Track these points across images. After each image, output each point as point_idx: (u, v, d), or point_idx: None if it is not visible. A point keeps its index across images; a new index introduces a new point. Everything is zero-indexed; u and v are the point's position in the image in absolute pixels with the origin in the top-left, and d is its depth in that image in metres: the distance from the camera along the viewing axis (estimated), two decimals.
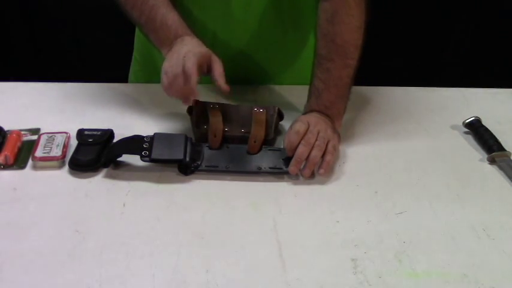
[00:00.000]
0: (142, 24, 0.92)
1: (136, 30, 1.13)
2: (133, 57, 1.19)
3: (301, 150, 0.84)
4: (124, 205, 0.77)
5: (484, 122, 0.98)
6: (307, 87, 0.95)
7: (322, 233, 0.74)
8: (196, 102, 0.94)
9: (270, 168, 0.85)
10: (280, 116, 0.96)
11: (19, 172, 0.83)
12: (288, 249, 0.71)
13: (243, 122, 0.94)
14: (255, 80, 1.11)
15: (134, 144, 0.84)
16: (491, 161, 0.91)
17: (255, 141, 0.88)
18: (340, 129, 0.93)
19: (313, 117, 0.89)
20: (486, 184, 0.86)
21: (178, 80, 0.82)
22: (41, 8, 1.94)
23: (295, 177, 0.85)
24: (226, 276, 0.66)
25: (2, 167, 0.83)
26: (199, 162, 0.85)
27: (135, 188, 0.81)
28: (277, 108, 0.95)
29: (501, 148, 0.92)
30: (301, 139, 0.85)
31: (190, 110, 0.94)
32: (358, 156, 0.91)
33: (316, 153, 0.84)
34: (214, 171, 0.84)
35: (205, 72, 0.85)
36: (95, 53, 2.00)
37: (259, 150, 0.88)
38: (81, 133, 0.88)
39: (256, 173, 0.85)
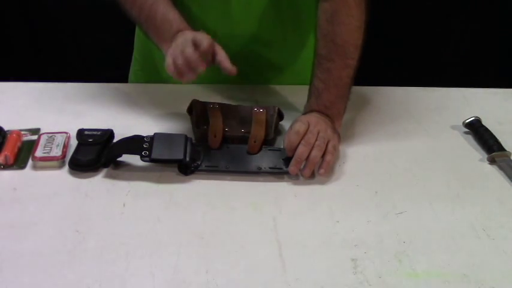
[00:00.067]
0: (142, 22, 0.92)
1: (137, 30, 1.13)
2: (133, 57, 1.19)
3: (301, 150, 0.84)
4: (124, 205, 0.77)
5: (484, 122, 0.98)
6: (307, 87, 0.95)
7: (322, 233, 0.74)
8: (197, 102, 0.94)
9: (270, 168, 0.85)
10: (280, 116, 0.96)
11: (19, 172, 0.83)
12: (288, 249, 0.71)
13: (243, 122, 0.94)
14: (255, 80, 1.11)
15: (134, 144, 0.84)
16: (491, 161, 0.91)
17: (255, 141, 0.88)
18: (340, 129, 0.93)
19: (313, 117, 0.89)
20: (486, 184, 0.86)
21: (187, 49, 0.82)
22: (41, 8, 1.94)
23: (295, 177, 0.85)
24: (226, 276, 0.66)
25: (2, 167, 0.83)
26: (199, 162, 0.85)
27: (135, 188, 0.81)
28: (277, 108, 0.95)
29: (501, 148, 0.92)
30: (301, 139, 0.85)
31: (190, 110, 0.94)
32: (358, 156, 0.91)
33: (316, 153, 0.84)
34: (214, 171, 0.84)
35: (210, 61, 0.85)
36: (95, 53, 2.00)
37: (259, 150, 0.87)
38: (81, 133, 0.88)
39: (256, 173, 0.85)
